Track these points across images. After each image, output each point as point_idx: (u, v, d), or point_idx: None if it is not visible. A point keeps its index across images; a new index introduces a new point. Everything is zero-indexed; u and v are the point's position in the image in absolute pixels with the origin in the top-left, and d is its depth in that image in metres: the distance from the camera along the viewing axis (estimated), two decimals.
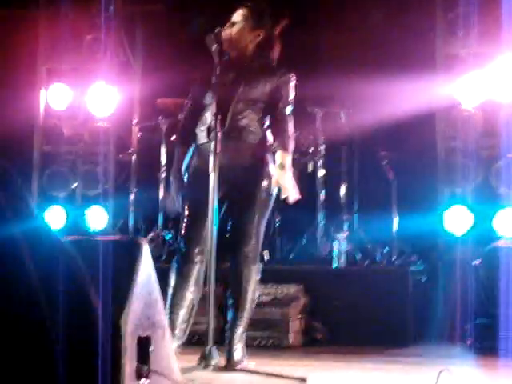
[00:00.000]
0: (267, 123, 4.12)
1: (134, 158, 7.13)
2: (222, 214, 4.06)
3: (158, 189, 6.77)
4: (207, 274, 3.73)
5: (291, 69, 4.16)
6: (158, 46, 7.74)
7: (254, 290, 4.01)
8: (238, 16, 4.09)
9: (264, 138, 4.09)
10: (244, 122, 3.99)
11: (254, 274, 4.00)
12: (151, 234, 6.67)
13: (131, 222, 6.96)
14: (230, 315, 4.04)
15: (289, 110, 4.10)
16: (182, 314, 3.95)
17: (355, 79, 6.44)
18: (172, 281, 4.00)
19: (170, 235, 6.59)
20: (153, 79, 7.32)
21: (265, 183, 4.02)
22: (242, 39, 4.07)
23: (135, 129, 7.41)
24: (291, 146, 4.05)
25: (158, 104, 6.84)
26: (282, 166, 3.96)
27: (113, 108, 7.12)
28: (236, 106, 3.95)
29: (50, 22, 7.40)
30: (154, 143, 6.90)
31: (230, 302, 4.04)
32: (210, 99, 3.98)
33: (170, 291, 3.97)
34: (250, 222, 3.97)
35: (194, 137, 4.09)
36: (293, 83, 4.12)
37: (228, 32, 4.00)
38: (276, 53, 4.18)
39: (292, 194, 4.00)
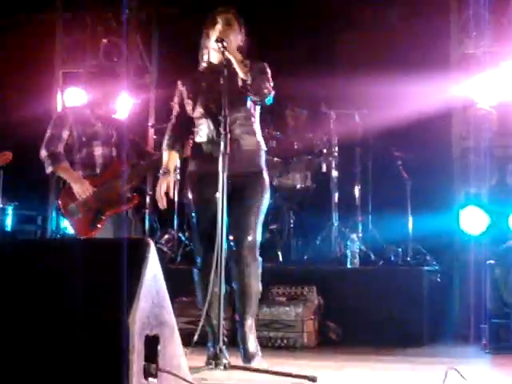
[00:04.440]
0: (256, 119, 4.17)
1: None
2: None
3: (173, 190, 6.80)
4: (216, 273, 3.72)
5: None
6: (174, 49, 7.80)
7: (257, 281, 4.07)
8: (230, 20, 4.12)
9: (257, 143, 4.14)
10: (242, 122, 4.07)
11: (255, 268, 4.05)
12: (166, 236, 6.71)
13: (147, 224, 7.00)
14: (237, 309, 4.09)
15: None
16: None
17: (369, 80, 6.45)
18: (199, 293, 4.07)
19: (185, 236, 6.64)
20: (168, 81, 7.36)
21: (260, 187, 4.09)
22: (235, 43, 4.10)
23: (151, 131, 7.46)
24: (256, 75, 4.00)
25: (173, 106, 6.86)
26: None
27: (128, 111, 7.15)
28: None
29: (67, 27, 7.48)
30: None
31: (236, 296, 4.08)
32: (200, 110, 4.08)
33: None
34: (247, 221, 4.02)
35: (181, 144, 4.27)
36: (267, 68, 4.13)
37: (227, 34, 4.01)
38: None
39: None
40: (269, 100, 4.06)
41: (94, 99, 5.12)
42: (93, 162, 4.98)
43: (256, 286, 4.06)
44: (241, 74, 3.97)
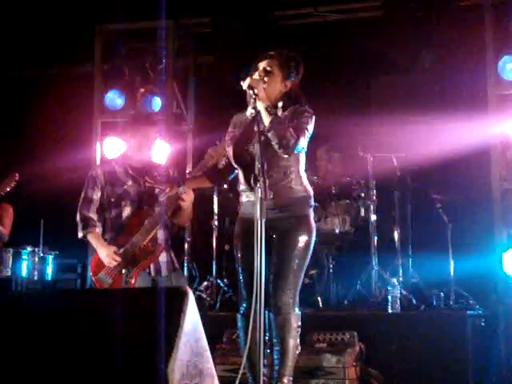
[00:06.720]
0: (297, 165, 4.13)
1: None
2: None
3: (211, 237, 6.82)
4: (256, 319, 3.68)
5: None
6: (210, 96, 7.87)
7: (294, 337, 3.99)
8: (271, 66, 4.10)
9: (304, 191, 4.11)
10: (279, 177, 4.04)
11: (293, 321, 3.99)
12: (205, 283, 6.70)
13: (186, 271, 7.00)
14: (275, 363, 4.03)
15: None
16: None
17: (406, 122, 6.43)
18: (243, 339, 4.01)
19: (224, 283, 6.62)
20: (206, 128, 7.42)
21: (304, 235, 4.03)
22: (274, 90, 4.09)
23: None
24: (277, 125, 3.94)
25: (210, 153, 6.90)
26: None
27: (166, 159, 7.20)
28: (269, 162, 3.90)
29: (105, 77, 7.58)
30: (207, 192, 6.97)
31: (274, 350, 4.03)
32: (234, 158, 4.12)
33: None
34: (287, 272, 3.99)
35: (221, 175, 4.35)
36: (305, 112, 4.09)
37: (259, 82, 3.99)
38: (303, 100, 4.18)
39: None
40: (296, 149, 4.00)
41: (128, 150, 5.12)
42: (121, 222, 4.94)
43: (292, 342, 3.99)
44: (265, 122, 3.94)
